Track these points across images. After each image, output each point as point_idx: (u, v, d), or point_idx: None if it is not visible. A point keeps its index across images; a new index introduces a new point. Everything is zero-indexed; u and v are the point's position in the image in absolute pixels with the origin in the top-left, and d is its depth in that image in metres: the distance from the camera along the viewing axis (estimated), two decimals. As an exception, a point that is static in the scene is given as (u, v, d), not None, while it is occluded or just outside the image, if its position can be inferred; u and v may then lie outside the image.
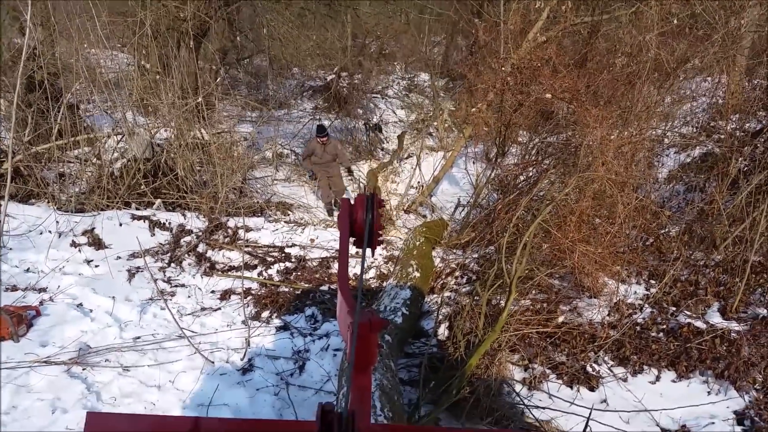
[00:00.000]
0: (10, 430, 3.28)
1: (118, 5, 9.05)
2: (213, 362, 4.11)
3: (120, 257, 5.56)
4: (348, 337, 1.32)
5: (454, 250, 6.19)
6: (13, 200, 6.23)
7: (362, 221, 1.68)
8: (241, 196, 7.51)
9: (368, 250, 1.70)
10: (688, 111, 8.36)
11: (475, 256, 5.86)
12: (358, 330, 1.26)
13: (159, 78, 7.56)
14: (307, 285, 5.41)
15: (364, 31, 14.42)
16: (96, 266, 5.34)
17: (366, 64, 13.93)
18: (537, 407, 3.63)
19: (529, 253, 4.46)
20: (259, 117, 10.36)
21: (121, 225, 6.02)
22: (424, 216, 7.78)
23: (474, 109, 7.96)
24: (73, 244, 5.58)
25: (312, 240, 6.31)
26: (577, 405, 3.64)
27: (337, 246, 5.87)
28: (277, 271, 5.67)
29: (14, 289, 4.82)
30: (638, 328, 4.35)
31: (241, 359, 4.19)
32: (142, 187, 6.83)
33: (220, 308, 4.98)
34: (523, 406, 3.64)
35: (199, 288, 5.30)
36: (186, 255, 5.78)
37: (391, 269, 5.76)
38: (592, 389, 3.88)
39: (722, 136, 6.95)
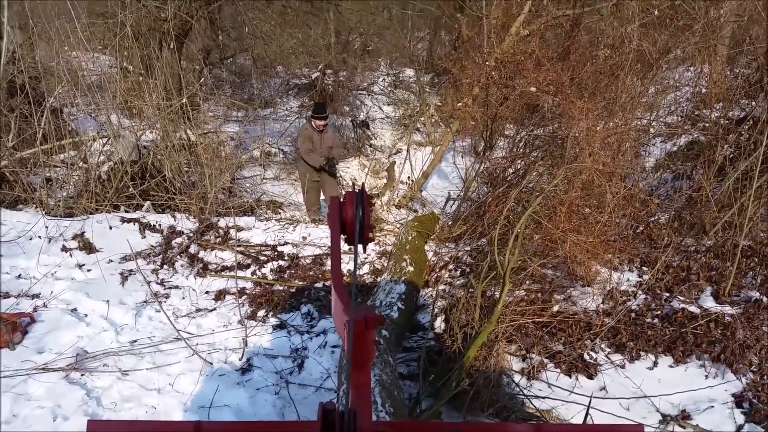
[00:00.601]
0: (12, 438, 3.26)
1: (98, 6, 8.95)
2: (211, 363, 4.10)
3: (112, 261, 5.51)
4: (345, 335, 1.32)
5: (447, 244, 6.22)
6: (1, 206, 6.15)
7: (353, 218, 1.67)
8: (230, 196, 7.48)
9: (359, 247, 1.69)
10: (672, 101, 8.46)
11: (468, 248, 5.89)
12: (354, 328, 1.26)
13: (142, 79, 7.49)
14: (301, 282, 5.40)
15: (347, 28, 14.38)
16: (88, 270, 5.30)
17: (350, 61, 13.91)
18: (537, 397, 3.66)
19: (521, 245, 4.49)
20: (245, 116, 10.31)
21: (111, 228, 5.97)
22: (415, 211, 7.80)
23: (460, 104, 7.98)
24: (64, 249, 5.52)
25: (304, 238, 6.31)
26: (577, 393, 3.68)
27: (329, 243, 5.87)
28: (271, 270, 5.65)
29: (6, 296, 4.75)
30: (633, 314, 4.40)
31: (240, 359, 4.18)
32: (130, 189, 6.77)
33: (215, 309, 4.96)
34: (523, 397, 3.67)
35: (193, 289, 5.28)
36: (178, 256, 5.75)
37: (385, 264, 5.78)
38: (590, 377, 3.92)
39: (707, 125, 7.05)
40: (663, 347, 4.04)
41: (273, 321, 4.79)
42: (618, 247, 5.10)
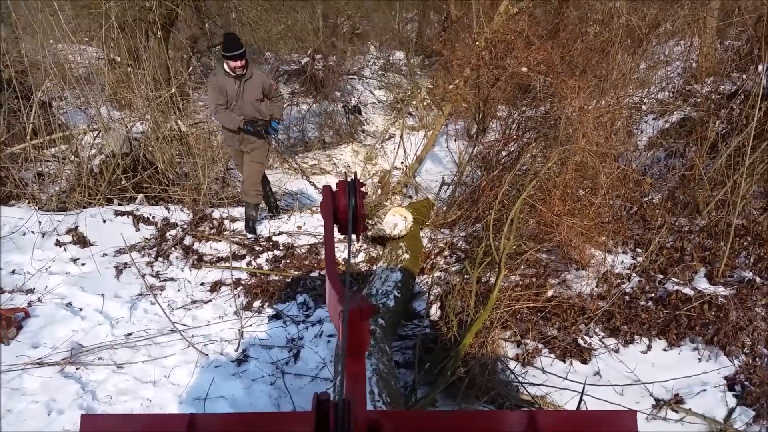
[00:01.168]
0: (8, 434, 3.27)
1: (81, -3, 8.84)
2: (207, 355, 4.10)
3: (106, 254, 5.50)
4: (339, 325, 1.31)
5: (442, 230, 6.21)
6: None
7: (345, 208, 1.65)
8: (224, 186, 7.44)
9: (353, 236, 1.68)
10: (663, 76, 8.42)
11: (463, 234, 5.89)
12: (349, 317, 1.26)
13: (130, 70, 7.42)
14: (297, 272, 5.40)
15: (334, 12, 14.24)
16: (82, 264, 5.28)
17: (339, 44, 13.80)
18: (532, 384, 3.68)
19: (516, 229, 4.49)
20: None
21: (104, 222, 5.94)
22: (410, 197, 7.78)
23: (451, 86, 7.93)
24: (58, 244, 5.50)
25: (299, 227, 6.29)
26: (571, 380, 3.69)
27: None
28: (266, 260, 5.64)
29: (1, 291, 4.75)
30: (627, 297, 4.41)
31: (235, 350, 4.19)
32: (122, 182, 6.74)
33: (210, 300, 4.96)
34: (518, 384, 3.68)
35: (188, 281, 5.26)
36: (173, 248, 5.73)
37: (380, 252, 5.77)
38: (584, 362, 3.94)
39: (698, 100, 7.02)
40: (657, 330, 4.06)
41: (269, 311, 4.79)
42: (612, 229, 5.10)
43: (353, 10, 14.70)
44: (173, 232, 5.99)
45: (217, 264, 5.57)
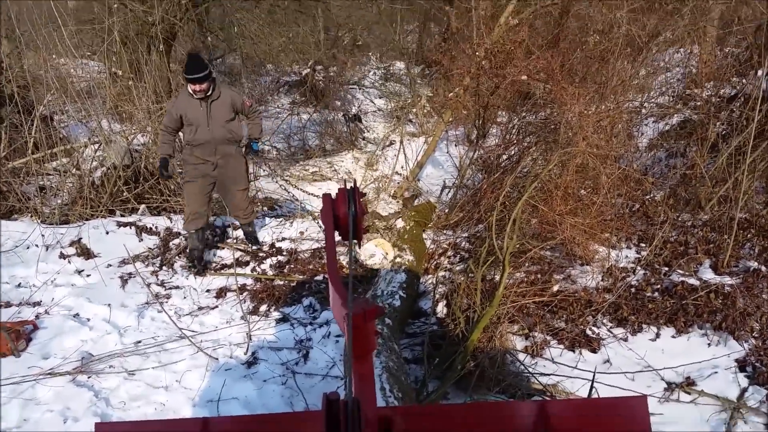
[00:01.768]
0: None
1: (85, 13, 8.92)
2: (217, 359, 4.11)
3: (110, 265, 5.51)
4: (345, 328, 1.33)
5: (444, 231, 6.23)
6: (-3, 217, 6.15)
7: (346, 215, 1.66)
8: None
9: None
10: (663, 81, 8.49)
11: (465, 235, 5.91)
12: (354, 321, 1.27)
13: (131, 84, 7.47)
14: (301, 276, 5.41)
15: (335, 24, 14.36)
16: (87, 276, 5.29)
17: (340, 56, 13.90)
18: (542, 374, 3.69)
19: (519, 229, 4.51)
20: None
21: (107, 233, 5.96)
22: (411, 198, 7.80)
23: (451, 94, 7.99)
24: (62, 256, 5.52)
25: (301, 233, 6.31)
26: (581, 369, 3.70)
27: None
28: (270, 266, 5.66)
29: (8, 305, 4.76)
30: (633, 290, 4.43)
31: (245, 353, 4.20)
32: (124, 194, 6.76)
33: (217, 306, 4.97)
34: (528, 374, 3.69)
35: (194, 288, 5.28)
36: (176, 257, 5.74)
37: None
38: (594, 351, 3.95)
39: (698, 103, 7.07)
40: (664, 319, 4.07)
41: (275, 315, 4.80)
42: (615, 226, 5.12)
43: (354, 22, 14.81)
44: (176, 241, 6.00)
45: (222, 271, 5.58)
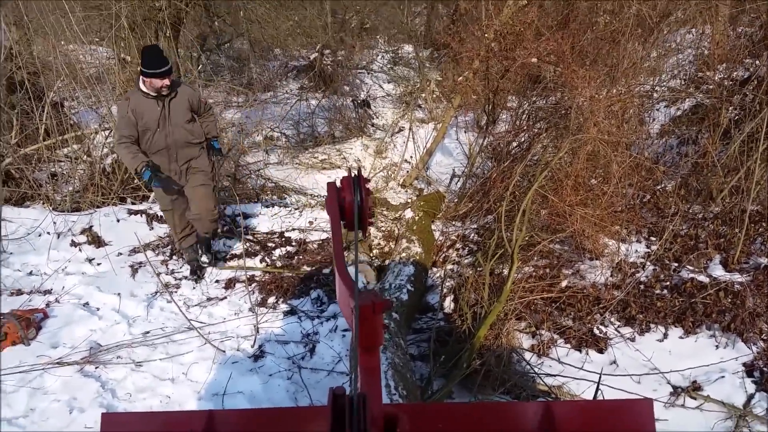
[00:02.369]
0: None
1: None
2: (224, 351, 4.14)
3: (121, 253, 5.55)
4: (352, 321, 1.31)
5: (453, 222, 6.20)
6: (8, 204, 6.20)
7: (351, 204, 1.63)
8: (235, 183, 7.47)
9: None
10: (675, 64, 8.33)
11: (474, 226, 5.88)
12: (362, 313, 1.26)
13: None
14: (310, 268, 5.42)
15: (343, 7, 14.20)
16: (98, 264, 5.34)
17: (348, 39, 13.76)
18: (548, 374, 3.68)
19: (528, 220, 4.48)
20: (245, 101, 10.26)
21: (118, 221, 6.00)
22: (420, 189, 7.77)
23: (461, 78, 7.90)
24: (73, 244, 5.56)
25: (311, 222, 6.31)
26: (587, 370, 3.68)
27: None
28: (279, 256, 5.67)
29: (19, 293, 4.82)
30: (642, 286, 4.39)
31: (252, 346, 4.23)
32: (135, 181, 6.79)
33: (225, 297, 5.00)
34: (534, 374, 3.69)
35: (203, 279, 5.30)
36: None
37: (392, 246, 5.78)
38: (600, 351, 3.93)
39: (711, 87, 6.95)
40: (673, 318, 4.03)
41: (283, 307, 4.82)
42: (625, 218, 5.07)
43: (362, 5, 14.65)
44: (186, 230, 6.01)
45: (231, 261, 5.60)
